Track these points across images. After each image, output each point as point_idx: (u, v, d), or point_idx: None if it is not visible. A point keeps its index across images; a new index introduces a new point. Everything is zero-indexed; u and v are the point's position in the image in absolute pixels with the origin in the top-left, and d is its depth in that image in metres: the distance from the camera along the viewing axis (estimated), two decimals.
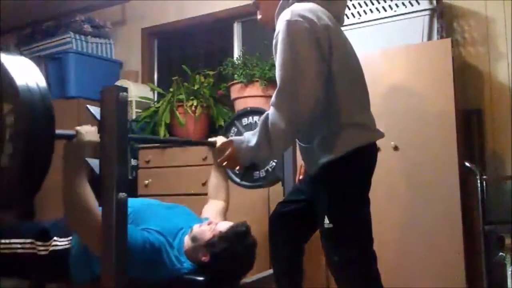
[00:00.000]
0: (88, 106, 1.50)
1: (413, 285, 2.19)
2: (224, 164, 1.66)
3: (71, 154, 1.48)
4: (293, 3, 1.53)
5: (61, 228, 1.78)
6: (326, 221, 1.51)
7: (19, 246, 1.81)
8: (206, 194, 2.24)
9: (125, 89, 1.42)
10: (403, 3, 2.45)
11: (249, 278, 2.01)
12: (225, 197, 2.20)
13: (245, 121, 2.29)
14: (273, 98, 1.48)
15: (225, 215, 2.15)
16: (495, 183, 2.60)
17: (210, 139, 2.13)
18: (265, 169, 2.21)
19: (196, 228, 1.81)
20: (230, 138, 1.65)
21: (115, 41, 4.11)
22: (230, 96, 3.15)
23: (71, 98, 3.59)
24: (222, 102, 3.31)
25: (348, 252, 1.52)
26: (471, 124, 2.66)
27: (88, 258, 1.68)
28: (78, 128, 1.47)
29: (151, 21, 3.97)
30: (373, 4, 2.52)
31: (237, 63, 3.09)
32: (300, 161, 1.85)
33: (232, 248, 1.73)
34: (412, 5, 2.43)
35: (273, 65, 2.89)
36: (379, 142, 1.62)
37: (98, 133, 1.45)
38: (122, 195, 1.37)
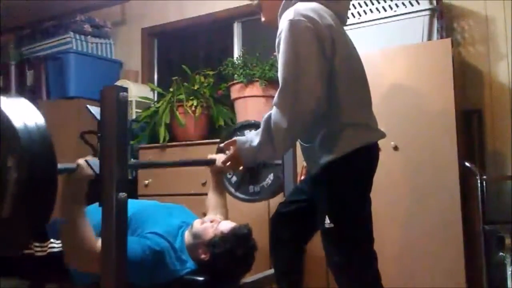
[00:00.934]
0: (88, 106, 1.50)
1: (413, 285, 2.19)
2: (228, 164, 1.67)
3: (70, 189, 1.47)
4: (295, 2, 1.53)
5: (58, 229, 1.78)
6: (327, 221, 1.50)
7: None
8: (206, 194, 2.24)
9: (125, 89, 1.42)
10: (403, 3, 2.45)
11: (249, 278, 2.01)
12: (225, 215, 2.14)
13: (247, 133, 2.23)
14: (275, 98, 1.47)
15: None
16: (495, 183, 2.60)
17: (209, 156, 2.08)
18: (261, 184, 2.19)
19: (198, 224, 1.80)
20: (234, 138, 1.64)
21: (115, 41, 4.11)
22: (230, 96, 3.14)
23: (71, 98, 3.60)
24: (222, 102, 3.31)
25: (348, 252, 1.52)
26: (471, 124, 2.66)
27: None
28: (79, 161, 1.45)
29: (151, 21, 3.97)
30: (373, 4, 2.52)
31: (237, 63, 3.09)
32: (301, 162, 1.84)
33: (232, 250, 1.73)
34: (412, 5, 2.43)
35: (273, 65, 2.90)
36: (379, 142, 1.62)
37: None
38: (122, 195, 1.37)
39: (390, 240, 2.26)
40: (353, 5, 2.56)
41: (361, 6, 2.55)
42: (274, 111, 1.47)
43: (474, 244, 2.36)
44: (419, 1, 2.41)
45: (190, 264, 1.76)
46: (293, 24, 1.44)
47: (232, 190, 2.23)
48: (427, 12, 2.40)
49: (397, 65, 2.38)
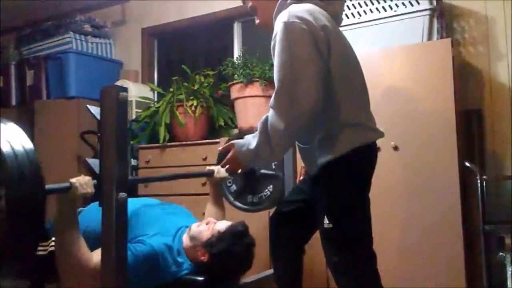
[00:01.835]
0: (88, 106, 1.50)
1: (413, 285, 2.19)
2: (226, 167, 1.67)
3: (64, 209, 1.47)
4: (290, 4, 1.53)
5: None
6: (326, 221, 1.50)
7: None
8: (206, 194, 2.23)
9: (125, 89, 1.42)
10: (403, 3, 2.45)
11: (249, 278, 2.01)
12: None
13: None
14: (271, 100, 1.48)
15: None
16: (495, 183, 2.60)
17: (208, 168, 2.07)
18: (259, 195, 2.19)
19: (194, 227, 1.81)
20: (232, 141, 1.65)
21: (115, 41, 4.11)
22: (230, 96, 3.15)
23: (71, 98, 3.60)
24: (222, 102, 3.31)
25: (348, 252, 1.52)
26: (471, 124, 2.66)
27: None
28: (72, 180, 1.44)
29: (151, 21, 3.97)
30: (373, 4, 2.52)
31: (237, 63, 3.09)
32: (301, 162, 1.84)
33: (231, 248, 1.73)
34: (412, 5, 2.43)
35: (273, 65, 2.89)
36: (379, 142, 1.62)
37: (94, 182, 1.43)
38: (122, 195, 1.37)
39: (390, 240, 2.26)
40: (353, 5, 2.56)
41: (361, 6, 2.55)
42: (270, 113, 1.47)
43: (474, 244, 2.36)
44: (419, 1, 2.41)
45: (187, 266, 1.76)
46: (287, 26, 1.44)
47: (231, 198, 2.23)
48: (427, 12, 2.40)
49: (397, 65, 2.39)
